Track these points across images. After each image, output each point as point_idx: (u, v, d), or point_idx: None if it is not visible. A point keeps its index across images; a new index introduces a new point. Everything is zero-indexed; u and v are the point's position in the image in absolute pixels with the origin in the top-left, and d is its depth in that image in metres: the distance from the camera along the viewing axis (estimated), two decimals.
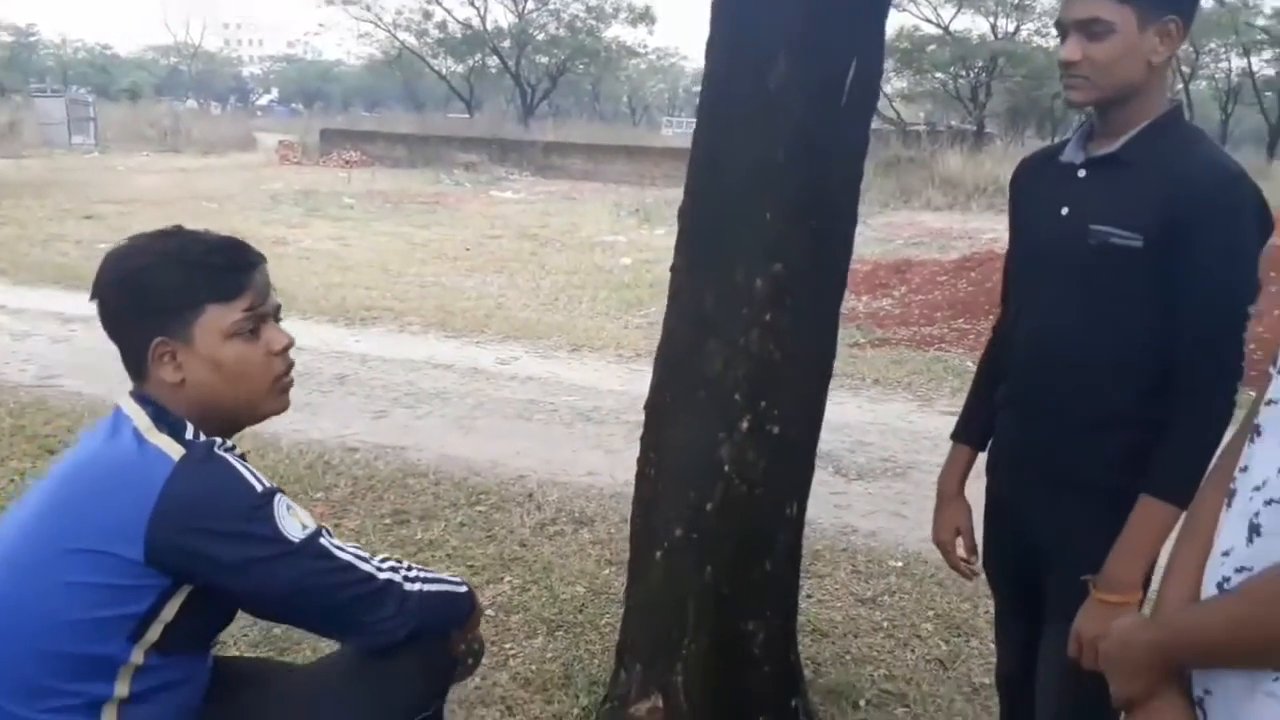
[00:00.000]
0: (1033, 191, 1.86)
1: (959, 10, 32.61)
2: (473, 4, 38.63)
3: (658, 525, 2.29)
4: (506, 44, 39.09)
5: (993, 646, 3.01)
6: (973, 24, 33.82)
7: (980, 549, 2.03)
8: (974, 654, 3.03)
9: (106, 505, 1.32)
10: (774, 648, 2.35)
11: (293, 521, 1.38)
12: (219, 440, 1.41)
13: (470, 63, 41.20)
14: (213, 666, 1.52)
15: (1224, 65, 34.41)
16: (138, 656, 1.34)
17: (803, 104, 2.04)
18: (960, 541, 2.05)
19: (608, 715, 2.39)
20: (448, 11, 38.84)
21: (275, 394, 1.50)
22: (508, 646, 2.96)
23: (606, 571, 3.46)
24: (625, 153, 25.97)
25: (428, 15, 39.00)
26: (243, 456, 1.41)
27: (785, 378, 2.18)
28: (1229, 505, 1.17)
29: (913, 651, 3.04)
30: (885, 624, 3.20)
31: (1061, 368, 1.75)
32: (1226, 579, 1.13)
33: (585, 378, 6.37)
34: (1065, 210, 1.72)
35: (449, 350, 7.01)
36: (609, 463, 4.74)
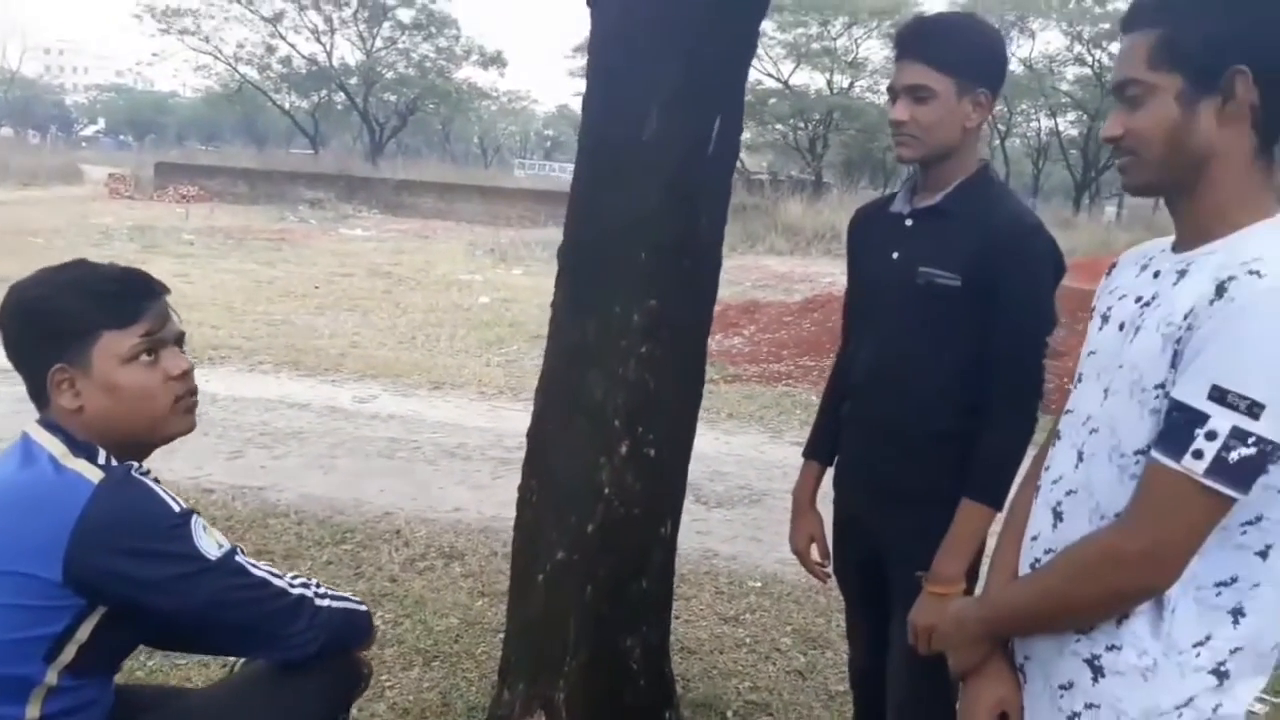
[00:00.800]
0: (867, 238, 2.11)
1: (797, 66, 34.36)
2: (319, 40, 38.00)
3: (540, 549, 2.39)
4: (354, 81, 38.51)
5: (845, 657, 3.25)
6: (810, 79, 35.66)
7: (832, 555, 2.23)
8: (829, 664, 3.24)
9: (24, 529, 1.34)
10: (650, 662, 2.49)
11: (209, 540, 1.43)
12: (135, 464, 1.45)
13: (315, 98, 40.36)
14: (114, 692, 1.53)
15: (1034, 125, 37.46)
16: (51, 677, 1.36)
17: (674, 155, 2.23)
18: (815, 549, 2.24)
19: None
20: (292, 46, 38.06)
21: (178, 415, 1.53)
22: (384, 679, 2.97)
23: (479, 603, 3.52)
24: (479, 193, 26.01)
25: (271, 49, 38.07)
26: (156, 480, 1.45)
27: (660, 404, 2.34)
28: (1036, 498, 1.40)
29: (774, 664, 3.23)
30: (748, 640, 3.39)
31: (895, 392, 1.98)
32: (1037, 560, 1.35)
33: (448, 415, 6.39)
34: (896, 255, 1.97)
35: (303, 389, 6.88)
36: (476, 498, 4.78)
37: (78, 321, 1.45)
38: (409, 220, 22.94)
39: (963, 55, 1.89)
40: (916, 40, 1.90)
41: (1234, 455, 1.11)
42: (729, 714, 2.89)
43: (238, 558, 1.47)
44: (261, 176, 27.10)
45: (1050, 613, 1.30)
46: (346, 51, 39.17)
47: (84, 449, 1.42)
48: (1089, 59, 32.56)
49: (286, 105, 40.67)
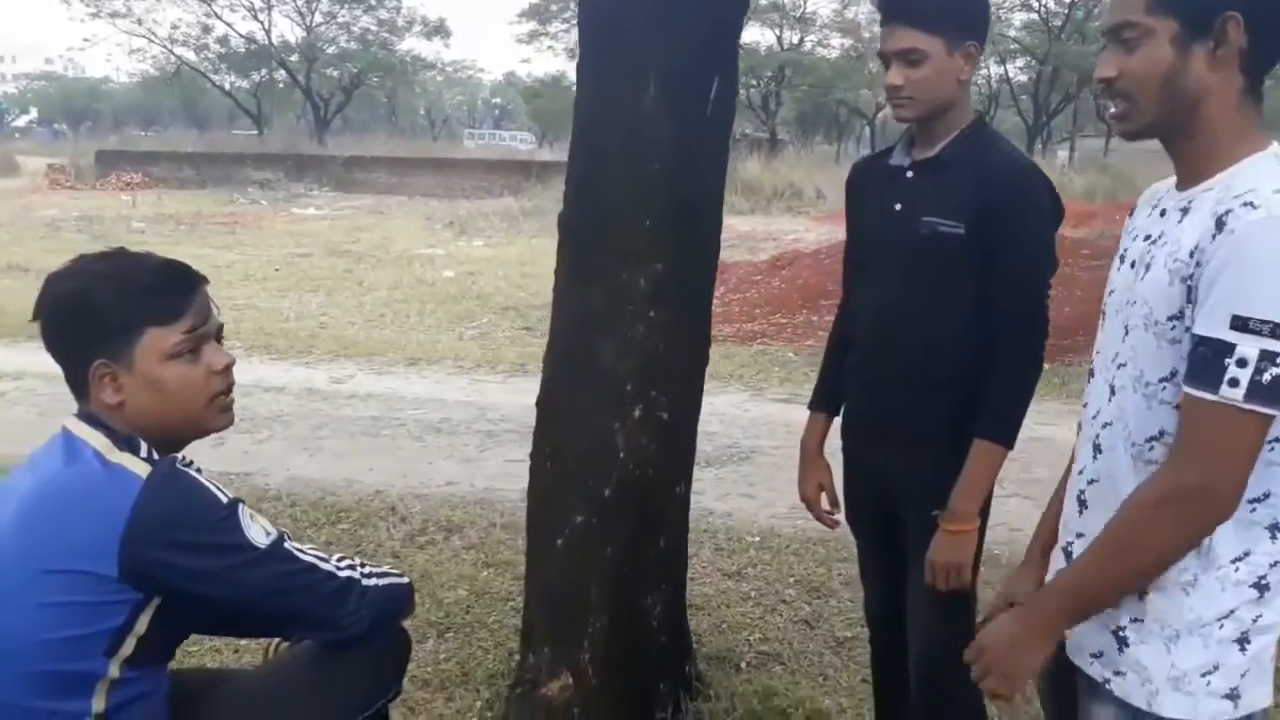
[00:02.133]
0: (867, 192, 2.14)
1: (746, 23, 34.11)
2: (256, 18, 37.13)
3: (557, 514, 2.42)
4: (295, 58, 37.70)
5: (850, 603, 3.34)
6: (761, 36, 35.51)
7: (842, 502, 2.28)
8: (834, 612, 3.32)
9: (78, 526, 1.34)
10: (669, 619, 2.54)
11: (257, 528, 1.44)
12: (179, 456, 1.45)
13: (256, 78, 39.49)
14: (169, 679, 1.54)
15: (984, 72, 37.69)
16: (114, 670, 1.37)
17: (673, 122, 2.24)
18: (824, 497, 2.29)
19: (519, 700, 2.49)
20: (229, 26, 37.14)
21: (216, 412, 1.53)
22: None
23: (485, 574, 3.55)
24: (431, 165, 25.67)
25: (207, 29, 37.13)
26: (199, 470, 1.46)
27: (669, 367, 2.37)
28: (1079, 434, 1.45)
29: (780, 616, 3.31)
30: (753, 594, 3.46)
31: (901, 340, 2.02)
32: (1082, 492, 1.41)
33: (428, 391, 6.37)
34: (898, 206, 2.01)
35: (278, 372, 6.82)
36: (467, 471, 4.79)
37: (121, 317, 1.44)
38: (361, 196, 22.60)
39: (949, 13, 1.92)
40: (903, 4, 1.93)
41: (1267, 376, 1.17)
42: (743, 665, 2.95)
43: (286, 544, 1.48)
44: (207, 160, 26.50)
45: (1126, 571, 1.30)
46: (286, 28, 38.72)
47: (126, 442, 1.42)
48: (1035, 5, 32.81)
49: (227, 86, 39.79)
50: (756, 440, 5.24)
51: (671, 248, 2.31)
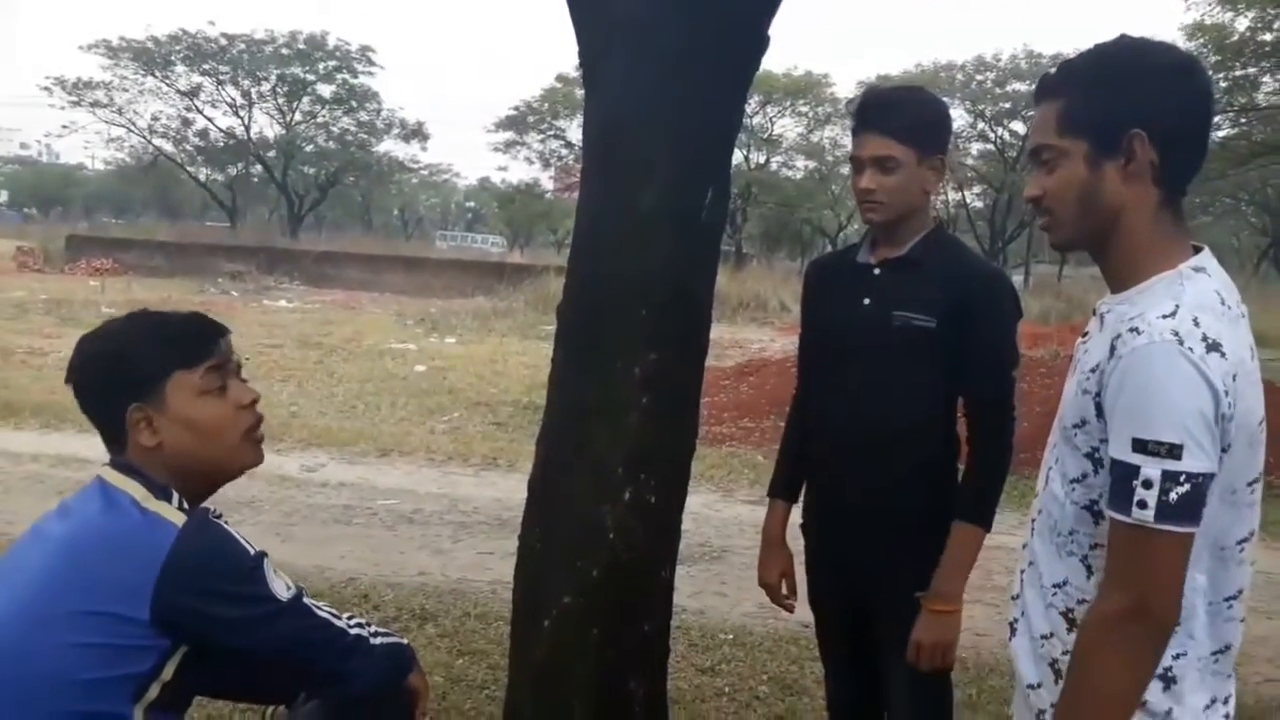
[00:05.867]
0: (831, 287, 2.28)
1: None
2: (237, 114, 37.77)
3: (544, 595, 2.47)
4: (272, 154, 38.26)
5: (823, 701, 3.36)
6: (735, 156, 36.61)
7: (810, 587, 2.34)
8: (808, 709, 3.35)
9: (115, 569, 1.40)
10: (652, 707, 2.56)
11: (280, 582, 1.51)
12: (210, 508, 1.52)
13: (232, 171, 39.94)
14: None
15: (942, 198, 39.15)
16: (138, 716, 1.40)
17: (671, 225, 2.39)
18: (785, 583, 2.36)
19: None
20: (209, 120, 37.72)
21: (249, 446, 1.61)
22: None
23: (460, 661, 3.55)
24: (403, 263, 25.95)
25: (187, 123, 37.67)
26: (227, 523, 1.53)
27: (659, 453, 2.46)
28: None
29: (755, 712, 3.33)
30: (727, 689, 3.48)
31: (875, 426, 2.13)
32: (1022, 570, 1.50)
33: (399, 482, 6.38)
34: (867, 300, 2.15)
35: None
36: (440, 562, 4.80)
37: (151, 364, 1.53)
38: (333, 291, 22.74)
39: (922, 127, 2.11)
40: (879, 113, 2.11)
41: (1173, 495, 1.22)
42: None
43: (304, 599, 1.54)
44: (178, 249, 26.60)
45: (1095, 707, 1.30)
46: (265, 125, 38.93)
47: (161, 490, 1.49)
48: (992, 136, 34.38)
49: (202, 178, 40.16)
50: (728, 539, 5.30)
51: (665, 338, 2.43)
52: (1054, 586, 1.42)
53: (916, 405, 2.11)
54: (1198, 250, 1.39)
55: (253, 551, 1.49)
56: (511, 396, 9.49)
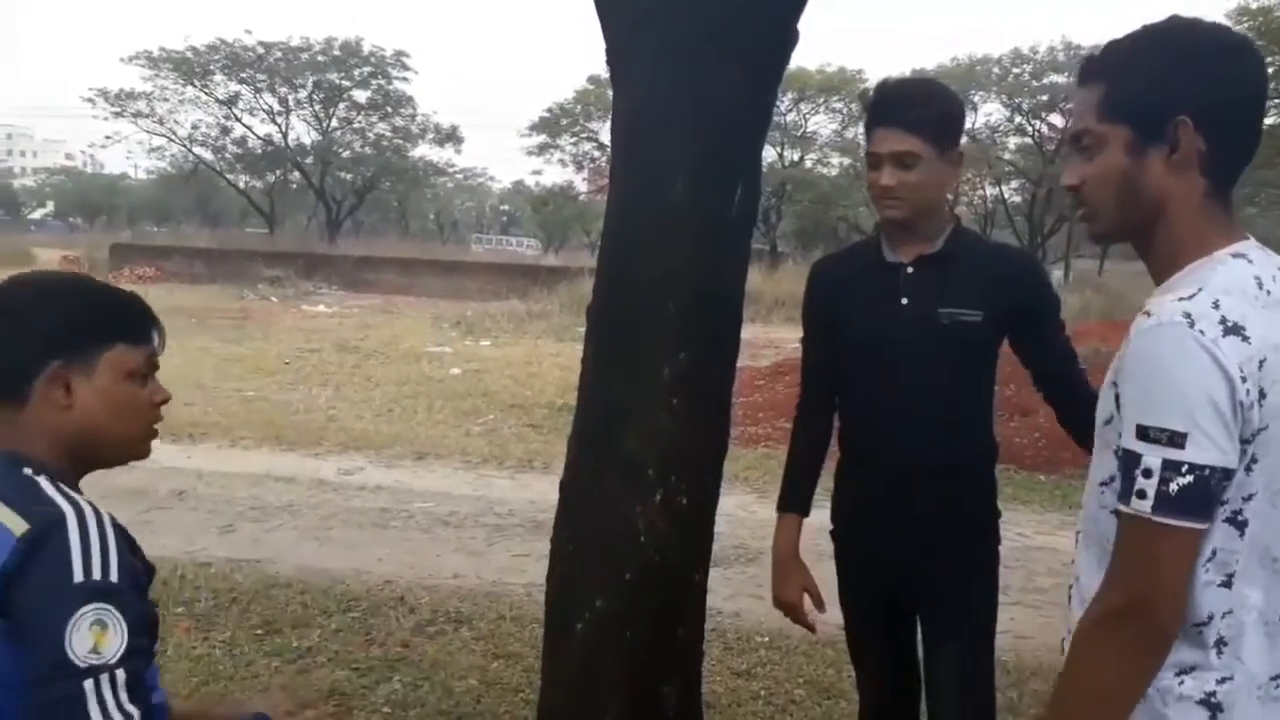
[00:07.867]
0: (858, 288, 2.19)
1: None
2: (274, 121, 38.26)
3: (577, 599, 2.46)
4: (309, 161, 38.71)
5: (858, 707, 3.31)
6: (764, 154, 36.48)
7: (840, 593, 2.28)
8: (844, 714, 3.30)
9: None
10: (685, 711, 2.54)
11: (93, 639, 1.21)
12: (103, 514, 1.31)
13: (271, 178, 40.46)
14: None
15: (980, 193, 38.68)
16: None
17: (699, 220, 2.37)
18: (807, 598, 2.28)
19: None
20: (248, 128, 38.24)
21: (144, 441, 1.49)
22: None
23: (495, 664, 3.54)
24: (440, 267, 26.14)
25: (226, 131, 38.22)
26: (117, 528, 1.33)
27: (690, 454, 2.44)
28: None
29: (791, 716, 3.30)
30: (763, 693, 3.45)
31: (927, 424, 2.08)
32: (1070, 585, 1.42)
33: (436, 485, 6.41)
34: (905, 300, 2.09)
35: (288, 463, 6.87)
36: (475, 564, 4.81)
37: (98, 325, 1.43)
38: (370, 296, 22.96)
39: (941, 120, 2.06)
40: (897, 107, 2.04)
41: (1173, 487, 1.14)
42: None
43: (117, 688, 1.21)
44: (218, 256, 27.03)
45: (1083, 706, 1.25)
46: (302, 131, 39.37)
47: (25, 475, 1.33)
48: (1029, 129, 33.89)
49: (241, 185, 40.72)
50: (764, 541, 5.21)
51: (695, 338, 2.41)
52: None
53: (969, 396, 2.11)
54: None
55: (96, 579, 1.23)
56: (546, 398, 9.50)
